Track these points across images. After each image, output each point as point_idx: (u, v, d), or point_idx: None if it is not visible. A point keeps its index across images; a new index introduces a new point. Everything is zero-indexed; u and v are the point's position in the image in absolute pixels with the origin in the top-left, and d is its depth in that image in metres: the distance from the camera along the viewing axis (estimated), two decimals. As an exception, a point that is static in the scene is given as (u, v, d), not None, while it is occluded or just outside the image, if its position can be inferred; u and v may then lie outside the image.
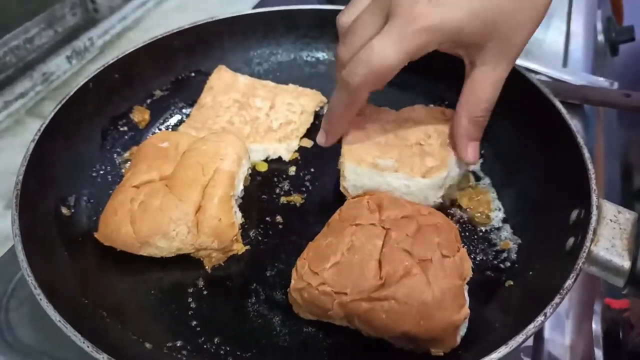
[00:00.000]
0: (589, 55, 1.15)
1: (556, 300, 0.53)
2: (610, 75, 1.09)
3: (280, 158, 0.80)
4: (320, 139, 0.72)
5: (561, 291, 0.53)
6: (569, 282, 0.54)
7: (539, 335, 0.70)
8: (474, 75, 0.63)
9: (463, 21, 0.57)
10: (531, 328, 0.51)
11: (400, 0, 0.57)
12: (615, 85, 1.03)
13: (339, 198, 0.71)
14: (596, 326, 0.73)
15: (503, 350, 0.50)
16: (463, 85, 0.64)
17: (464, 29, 0.57)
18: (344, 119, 0.68)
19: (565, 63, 1.10)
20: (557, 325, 0.71)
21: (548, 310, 0.52)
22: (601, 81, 1.04)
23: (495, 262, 0.67)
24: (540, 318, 0.52)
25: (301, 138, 0.82)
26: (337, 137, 0.71)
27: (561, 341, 0.70)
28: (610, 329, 0.75)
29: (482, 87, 0.63)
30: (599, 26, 1.23)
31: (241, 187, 0.70)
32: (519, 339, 0.51)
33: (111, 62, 0.80)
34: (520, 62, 1.04)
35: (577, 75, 1.05)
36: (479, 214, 0.72)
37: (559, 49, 1.13)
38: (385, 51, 0.57)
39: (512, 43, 0.60)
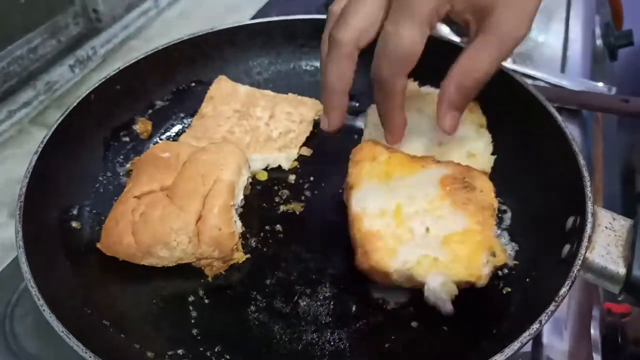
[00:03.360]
0: (587, 60, 1.15)
1: (551, 307, 0.53)
2: (609, 80, 1.09)
3: (280, 167, 0.81)
4: (324, 124, 0.70)
5: (556, 299, 0.54)
6: (564, 289, 0.55)
7: (537, 341, 0.70)
8: (476, 43, 0.60)
9: None
10: (526, 335, 0.52)
11: None
12: (614, 90, 1.03)
13: (339, 206, 0.71)
14: (595, 331, 0.74)
15: (498, 358, 0.51)
16: (460, 54, 0.62)
17: None
18: (343, 97, 0.67)
19: (563, 68, 1.10)
20: (556, 331, 0.72)
21: (543, 317, 0.53)
22: (599, 86, 1.04)
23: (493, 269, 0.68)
24: (535, 326, 0.52)
25: (300, 147, 0.83)
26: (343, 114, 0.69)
27: (560, 346, 0.71)
28: (609, 334, 0.75)
29: (481, 57, 0.60)
30: (598, 31, 1.23)
31: (241, 196, 0.71)
32: (514, 346, 0.51)
33: (112, 73, 0.81)
34: (517, 67, 1.06)
35: (575, 80, 1.05)
36: None
37: (557, 54, 1.14)
38: (402, 32, 0.55)
39: (521, 9, 0.57)
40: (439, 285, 0.59)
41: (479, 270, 0.59)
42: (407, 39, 0.55)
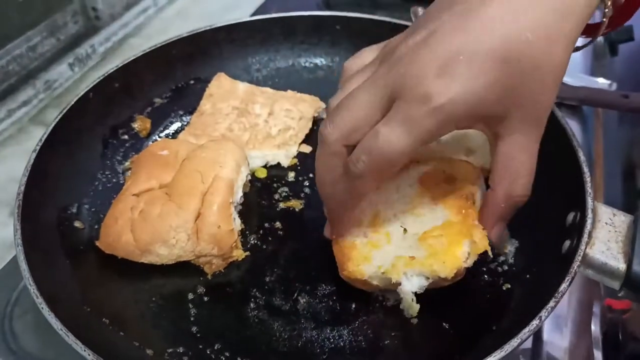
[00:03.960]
0: (588, 56, 1.15)
1: (551, 303, 0.53)
2: (610, 75, 1.08)
3: (279, 164, 0.81)
4: (326, 232, 0.66)
5: (556, 295, 0.54)
6: (564, 285, 0.54)
7: (538, 337, 0.70)
8: (503, 148, 0.54)
9: (480, 93, 0.48)
10: (526, 332, 0.52)
11: (404, 78, 0.49)
12: (614, 86, 1.03)
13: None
14: (595, 328, 0.74)
15: (498, 354, 0.51)
16: (492, 162, 0.56)
17: (483, 102, 0.48)
18: (347, 208, 0.62)
19: (564, 64, 1.10)
20: (556, 327, 0.72)
21: (543, 313, 0.53)
22: (600, 82, 1.04)
23: (493, 265, 0.67)
24: (535, 322, 0.52)
25: (300, 144, 0.82)
26: (347, 228, 0.64)
27: (560, 343, 0.71)
28: (610, 331, 0.75)
29: (518, 160, 0.54)
30: (598, 26, 1.23)
31: (240, 193, 0.71)
32: (513, 342, 0.51)
33: (111, 71, 0.81)
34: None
35: (575, 76, 1.05)
36: None
37: (557, 50, 1.13)
38: (392, 138, 0.49)
39: (539, 105, 0.51)
40: (412, 288, 0.58)
41: (459, 261, 0.57)
42: (398, 147, 0.50)
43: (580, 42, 0.58)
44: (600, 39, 1.23)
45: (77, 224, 0.71)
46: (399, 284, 0.59)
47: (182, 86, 0.90)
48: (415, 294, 0.59)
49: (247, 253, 0.70)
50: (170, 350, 0.60)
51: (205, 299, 0.66)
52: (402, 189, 0.66)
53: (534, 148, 0.54)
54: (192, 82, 0.90)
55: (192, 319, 0.64)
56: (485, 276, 0.67)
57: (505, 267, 0.67)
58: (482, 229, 0.60)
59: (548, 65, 0.49)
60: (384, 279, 0.60)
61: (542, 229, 0.67)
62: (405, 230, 0.62)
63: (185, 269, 0.67)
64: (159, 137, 0.85)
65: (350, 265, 0.61)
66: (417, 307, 0.60)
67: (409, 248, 0.61)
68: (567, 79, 1.03)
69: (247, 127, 0.82)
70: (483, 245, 0.59)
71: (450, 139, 0.76)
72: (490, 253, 0.61)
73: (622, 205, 1.07)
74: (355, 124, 0.52)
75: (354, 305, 0.64)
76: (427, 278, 0.59)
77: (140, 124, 0.84)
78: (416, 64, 0.49)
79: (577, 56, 1.11)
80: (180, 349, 0.61)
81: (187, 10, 1.30)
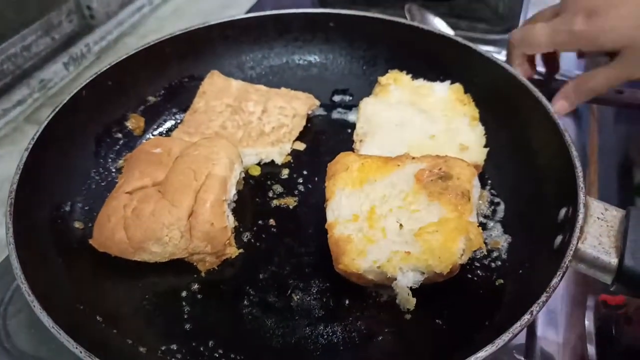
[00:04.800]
0: (583, 52, 1.14)
1: (542, 298, 0.53)
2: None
3: (273, 161, 0.81)
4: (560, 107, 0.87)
5: (548, 289, 0.54)
6: (555, 280, 0.55)
7: (531, 332, 0.70)
8: (602, 66, 0.83)
9: (607, 38, 0.79)
10: (517, 326, 0.52)
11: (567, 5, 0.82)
12: (609, 81, 1.03)
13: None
14: (589, 322, 0.74)
15: (490, 349, 0.51)
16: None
17: (607, 44, 0.80)
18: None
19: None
20: (550, 322, 0.72)
21: (535, 308, 0.53)
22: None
23: (486, 261, 0.68)
24: (526, 316, 0.52)
25: (294, 141, 0.83)
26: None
27: (554, 338, 0.71)
28: (603, 325, 0.75)
29: (597, 78, 0.84)
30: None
31: (234, 191, 0.71)
32: (505, 337, 0.51)
33: (104, 69, 0.81)
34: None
35: (571, 73, 1.05)
36: None
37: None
38: (538, 32, 0.84)
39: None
40: (407, 283, 0.59)
41: (454, 257, 0.58)
42: (541, 38, 0.84)
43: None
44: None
45: (70, 222, 0.71)
46: (394, 278, 0.59)
47: (176, 84, 0.90)
48: (411, 288, 0.59)
49: (241, 250, 0.70)
50: (163, 347, 0.61)
51: (199, 296, 0.66)
52: (399, 185, 0.66)
53: (615, 79, 0.83)
54: (185, 80, 0.90)
55: (185, 316, 0.64)
56: (479, 271, 0.67)
57: (499, 263, 0.67)
58: (477, 226, 0.61)
59: None
60: (379, 274, 0.60)
61: (535, 225, 0.68)
62: (401, 225, 0.63)
63: (178, 266, 0.67)
64: (153, 135, 0.86)
65: (346, 258, 0.61)
66: (413, 300, 0.60)
67: (405, 243, 0.61)
68: (563, 78, 1.03)
69: (241, 125, 0.82)
70: (478, 242, 0.60)
71: (446, 137, 0.76)
72: (484, 250, 0.61)
73: (617, 202, 1.07)
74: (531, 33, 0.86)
75: (347, 301, 0.65)
76: (423, 273, 0.59)
77: (134, 122, 0.84)
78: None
79: (573, 54, 1.11)
80: (174, 346, 0.61)
81: (182, 8, 1.30)
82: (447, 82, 0.83)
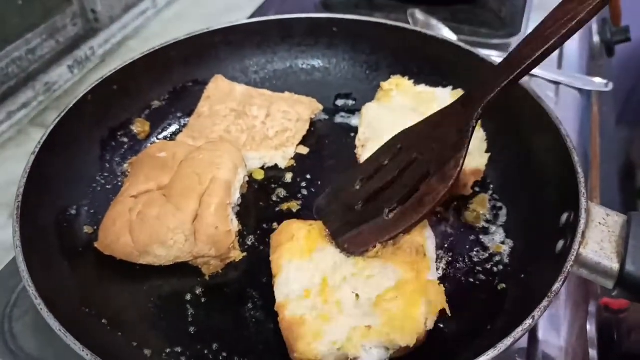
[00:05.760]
0: (584, 56, 1.15)
1: (544, 303, 0.54)
2: (606, 75, 1.09)
3: (276, 165, 0.81)
4: None
5: (549, 294, 0.54)
6: (557, 285, 0.55)
7: (533, 337, 0.70)
8: None
9: None
10: (519, 331, 0.52)
11: None
12: (611, 85, 1.03)
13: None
14: (591, 327, 0.74)
15: (492, 354, 0.51)
16: None
17: None
18: None
19: (560, 64, 1.10)
20: (552, 326, 0.72)
21: (536, 313, 0.53)
22: (597, 81, 1.05)
23: (488, 265, 0.68)
24: (528, 321, 0.53)
25: (297, 145, 0.83)
26: None
27: (556, 342, 0.71)
28: (605, 330, 0.75)
29: None
30: (595, 27, 1.23)
31: (238, 195, 0.72)
32: (507, 342, 0.51)
33: (109, 74, 0.81)
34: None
35: (572, 76, 1.06)
36: (469, 212, 0.74)
37: (554, 50, 1.13)
38: None
39: None
40: (373, 358, 0.55)
41: (418, 325, 0.54)
42: None
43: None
44: (596, 39, 1.24)
45: (75, 225, 0.71)
46: (357, 358, 0.55)
47: (180, 88, 0.90)
48: None
49: (245, 254, 0.70)
50: (168, 350, 0.61)
51: (203, 299, 0.66)
52: None
53: None
54: (190, 84, 0.91)
55: (190, 319, 0.64)
56: (481, 275, 0.67)
57: (501, 267, 0.68)
58: (438, 284, 0.58)
59: None
60: (340, 356, 0.55)
61: (537, 230, 0.68)
62: (357, 296, 0.58)
63: (183, 270, 0.68)
64: (157, 139, 0.86)
65: (301, 344, 0.55)
66: None
67: (364, 316, 0.57)
68: (564, 79, 1.04)
69: (245, 129, 0.83)
70: (440, 302, 0.56)
71: None
72: (448, 312, 0.56)
73: (619, 205, 1.08)
74: None
75: (350, 306, 0.65)
76: (387, 349, 0.55)
77: (139, 127, 0.85)
78: None
79: (574, 56, 1.12)
80: (178, 349, 0.61)
81: (185, 12, 1.30)
82: (449, 88, 0.84)
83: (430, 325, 0.56)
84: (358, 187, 0.69)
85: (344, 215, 0.67)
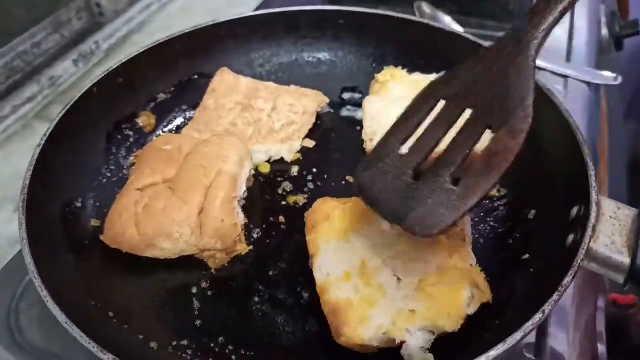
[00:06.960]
0: (593, 50, 1.14)
1: (554, 297, 0.53)
2: (615, 69, 1.08)
3: (282, 159, 0.81)
4: None
5: (559, 288, 0.54)
6: (567, 279, 0.54)
7: (542, 332, 0.70)
8: None
9: None
10: (529, 325, 0.51)
11: None
12: (620, 79, 1.02)
13: (341, 197, 0.71)
14: (599, 322, 0.74)
15: (501, 348, 0.50)
16: None
17: None
18: None
19: (569, 58, 1.09)
20: (561, 321, 0.71)
21: (546, 307, 0.52)
22: (605, 75, 1.04)
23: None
24: (538, 315, 0.52)
25: (303, 139, 0.83)
26: None
27: (564, 337, 0.70)
28: (614, 325, 0.75)
29: None
30: (603, 20, 1.22)
31: (244, 188, 0.71)
32: (516, 336, 0.51)
33: (114, 67, 0.81)
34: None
35: (581, 70, 1.05)
36: None
37: (562, 44, 1.12)
38: None
39: None
40: (418, 344, 0.54)
41: (462, 310, 0.54)
42: None
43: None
44: (605, 33, 1.23)
45: (81, 218, 0.71)
46: (403, 342, 0.54)
47: (186, 81, 0.90)
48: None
49: (251, 247, 0.70)
50: (174, 343, 0.61)
51: (209, 293, 0.66)
52: (387, 232, 0.61)
53: None
54: (195, 77, 0.90)
55: (196, 312, 0.64)
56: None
57: (510, 262, 0.67)
58: (484, 277, 0.57)
59: None
60: (385, 340, 0.55)
61: (547, 223, 0.67)
62: (399, 279, 0.58)
63: (189, 263, 0.67)
64: (163, 132, 0.86)
65: (348, 330, 0.55)
66: (431, 357, 0.55)
67: (406, 299, 0.56)
68: (572, 73, 1.03)
69: (251, 122, 0.82)
70: (487, 295, 0.56)
71: None
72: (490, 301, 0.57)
73: (627, 199, 1.07)
74: None
75: (357, 299, 0.64)
76: (432, 332, 0.55)
77: (145, 119, 0.84)
78: None
79: (583, 50, 1.11)
80: (184, 342, 0.61)
81: (190, 6, 1.30)
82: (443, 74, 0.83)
83: (472, 310, 0.56)
84: (404, 152, 0.56)
85: (398, 190, 0.54)
